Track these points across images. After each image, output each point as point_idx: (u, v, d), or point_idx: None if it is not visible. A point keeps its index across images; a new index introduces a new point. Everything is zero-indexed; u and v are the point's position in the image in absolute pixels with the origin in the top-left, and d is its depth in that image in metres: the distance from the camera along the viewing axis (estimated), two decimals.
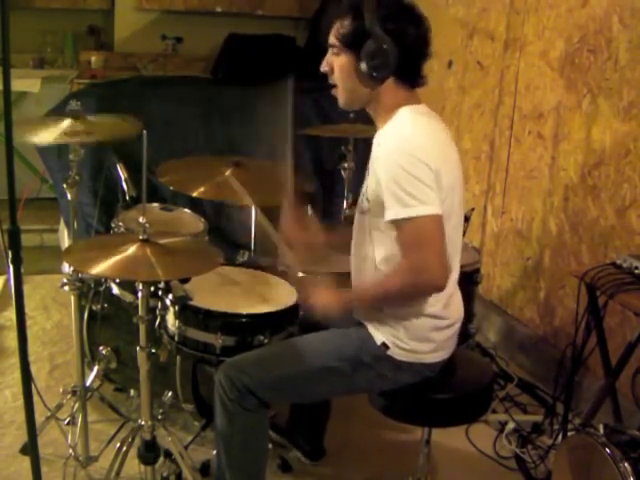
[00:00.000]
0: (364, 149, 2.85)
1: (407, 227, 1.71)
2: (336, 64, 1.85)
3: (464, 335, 2.04)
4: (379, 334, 1.87)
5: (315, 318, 1.89)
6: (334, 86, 1.88)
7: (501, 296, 3.49)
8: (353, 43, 1.78)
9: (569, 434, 2.34)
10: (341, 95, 1.88)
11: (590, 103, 2.85)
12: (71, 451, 2.25)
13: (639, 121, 2.61)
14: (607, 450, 1.81)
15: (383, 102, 1.84)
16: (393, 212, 1.71)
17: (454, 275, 1.92)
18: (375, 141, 1.90)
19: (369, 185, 1.85)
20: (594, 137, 2.83)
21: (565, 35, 2.98)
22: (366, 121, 2.05)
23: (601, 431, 1.93)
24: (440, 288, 1.76)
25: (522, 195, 3.31)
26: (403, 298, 1.81)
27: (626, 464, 1.77)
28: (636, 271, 2.17)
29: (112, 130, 2.40)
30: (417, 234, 1.71)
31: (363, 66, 1.77)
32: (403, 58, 1.76)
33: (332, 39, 1.84)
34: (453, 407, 1.97)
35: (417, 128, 1.78)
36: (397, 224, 1.73)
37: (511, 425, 2.72)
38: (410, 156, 1.71)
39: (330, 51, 1.86)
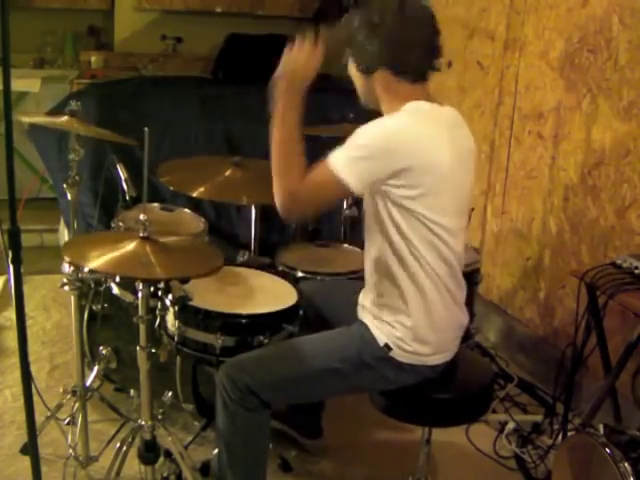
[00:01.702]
0: None
1: (324, 167, 1.77)
2: (349, 71, 1.93)
3: (464, 335, 2.04)
4: (382, 335, 1.87)
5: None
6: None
7: (501, 296, 3.49)
8: (347, 42, 1.87)
9: (569, 434, 2.34)
10: (358, 95, 1.96)
11: (590, 103, 2.85)
12: (71, 451, 2.25)
13: (639, 121, 2.61)
14: (607, 450, 1.81)
15: (384, 97, 1.87)
16: (334, 152, 1.77)
17: (459, 277, 1.92)
18: None
19: None
20: (594, 137, 2.83)
21: (565, 35, 2.98)
22: (366, 121, 2.05)
23: (601, 431, 1.94)
24: (280, 211, 1.83)
25: (522, 195, 3.31)
26: (274, 162, 1.87)
27: (626, 464, 1.77)
28: (636, 271, 2.17)
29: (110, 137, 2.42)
30: (321, 177, 1.77)
31: (355, 60, 1.87)
32: (387, 49, 1.80)
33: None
34: (453, 407, 1.97)
35: (404, 122, 1.80)
36: (326, 160, 1.78)
37: (511, 425, 2.72)
38: (373, 133, 1.76)
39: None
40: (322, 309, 2.20)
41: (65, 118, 2.21)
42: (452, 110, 1.93)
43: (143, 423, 1.99)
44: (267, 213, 2.68)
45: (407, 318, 1.84)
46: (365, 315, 1.93)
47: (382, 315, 1.87)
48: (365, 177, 1.75)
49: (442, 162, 1.79)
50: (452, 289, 1.90)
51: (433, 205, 1.78)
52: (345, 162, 1.74)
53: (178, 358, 2.33)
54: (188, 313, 2.10)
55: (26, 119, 2.16)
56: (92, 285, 2.52)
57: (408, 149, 1.74)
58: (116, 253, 1.80)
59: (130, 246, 1.83)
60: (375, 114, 1.93)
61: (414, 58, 1.83)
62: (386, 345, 1.86)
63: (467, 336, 2.57)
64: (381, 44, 1.80)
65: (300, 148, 1.85)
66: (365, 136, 1.77)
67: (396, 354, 1.86)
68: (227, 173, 2.50)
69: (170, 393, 2.19)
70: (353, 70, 1.91)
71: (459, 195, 1.87)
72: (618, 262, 2.24)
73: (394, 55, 1.82)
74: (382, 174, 1.74)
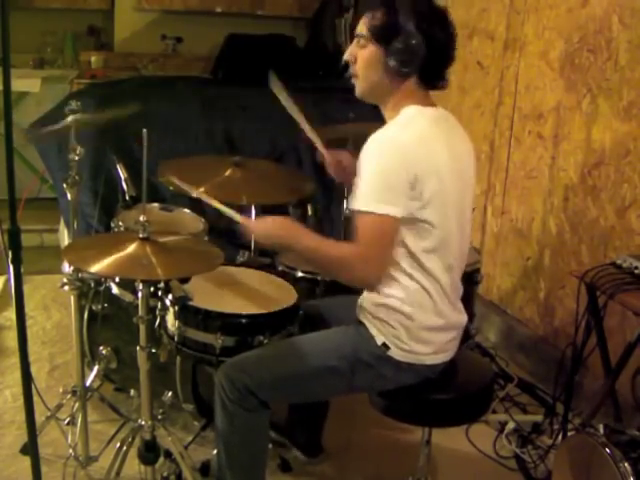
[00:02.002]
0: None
1: (366, 220, 1.73)
2: (361, 55, 1.84)
3: (464, 335, 2.04)
4: (380, 334, 1.87)
5: (249, 239, 1.92)
6: (354, 76, 1.88)
7: (501, 296, 3.49)
8: (383, 36, 1.78)
9: (569, 434, 2.34)
10: (360, 85, 1.88)
11: (590, 103, 2.85)
12: (71, 451, 2.25)
13: (639, 121, 2.61)
14: (607, 450, 1.81)
15: (398, 99, 1.85)
16: (358, 203, 1.75)
17: (457, 280, 1.92)
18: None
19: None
20: (594, 137, 2.83)
21: (565, 35, 2.98)
22: (366, 121, 2.05)
23: (601, 431, 1.93)
24: (368, 285, 1.82)
25: (522, 195, 3.31)
26: (327, 269, 1.86)
27: (626, 464, 1.77)
28: (636, 271, 2.16)
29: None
30: (375, 230, 1.74)
31: (391, 61, 1.77)
32: (429, 59, 1.78)
33: (361, 29, 1.83)
34: (453, 407, 1.97)
35: (407, 129, 1.78)
36: (356, 214, 1.76)
37: (511, 425, 2.72)
38: (388, 155, 1.73)
39: (356, 41, 1.86)
40: (321, 309, 2.21)
41: (70, 119, 2.20)
42: (446, 112, 1.92)
43: (143, 423, 1.99)
44: (267, 213, 2.68)
45: (405, 317, 1.84)
46: (363, 314, 1.93)
47: (380, 314, 1.87)
48: (400, 198, 1.73)
49: (444, 165, 1.80)
50: (450, 290, 1.90)
51: (439, 210, 1.79)
52: (372, 198, 1.72)
53: (178, 358, 2.33)
54: (188, 313, 2.10)
55: (31, 133, 2.15)
56: (92, 285, 2.52)
57: (415, 157, 1.74)
58: (116, 255, 1.80)
59: (130, 247, 1.83)
60: (374, 114, 1.94)
61: (445, 69, 1.85)
62: (384, 344, 1.86)
63: (467, 336, 2.57)
64: (428, 53, 1.76)
65: (328, 245, 1.81)
66: (374, 163, 1.75)
67: (394, 353, 1.86)
68: (227, 173, 2.50)
69: (170, 393, 2.19)
70: (372, 65, 1.82)
71: (461, 198, 1.88)
72: (618, 262, 2.24)
73: (433, 65, 1.81)
74: (406, 189, 1.73)
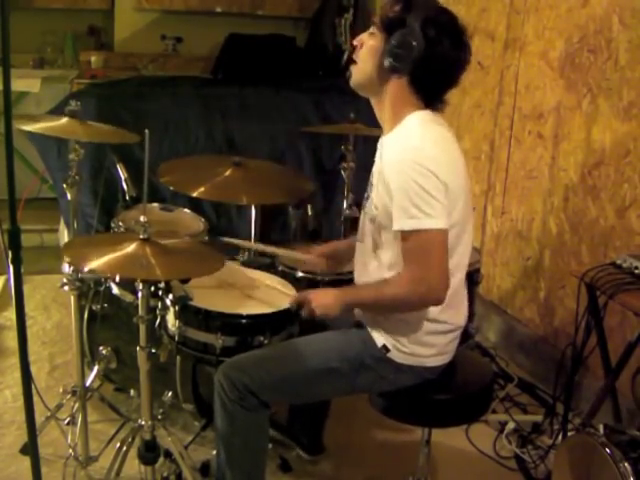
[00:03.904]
0: (364, 149, 2.86)
1: (412, 239, 1.71)
2: (367, 43, 1.83)
3: (464, 335, 2.04)
4: (380, 336, 1.87)
5: (315, 318, 1.89)
6: (353, 62, 1.87)
7: (501, 296, 3.49)
8: (389, 27, 1.77)
9: (569, 434, 2.34)
10: (355, 74, 1.87)
11: (590, 103, 2.85)
12: (71, 451, 2.24)
13: (639, 121, 2.61)
14: (607, 450, 1.81)
15: (391, 101, 1.83)
16: (400, 223, 1.72)
17: (459, 282, 1.91)
18: (380, 146, 1.89)
19: (378, 193, 1.83)
20: (594, 137, 2.83)
21: (565, 35, 2.98)
22: (366, 121, 2.05)
23: (601, 431, 1.93)
24: (438, 302, 1.76)
25: (522, 195, 3.31)
26: (396, 307, 1.82)
27: (626, 464, 1.77)
28: (636, 271, 2.16)
29: (110, 136, 2.41)
30: (421, 247, 1.71)
31: (386, 51, 1.76)
32: (425, 66, 1.75)
33: (376, 17, 1.83)
34: (453, 407, 1.97)
35: (427, 137, 1.77)
36: (403, 234, 1.74)
37: (511, 425, 2.72)
38: (420, 167, 1.70)
39: (369, 30, 1.84)
40: None
41: (65, 120, 2.20)
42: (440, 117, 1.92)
43: (143, 423, 1.99)
44: (267, 213, 2.68)
45: (405, 320, 1.84)
46: (364, 316, 1.92)
47: (380, 316, 1.87)
48: (438, 207, 1.71)
49: (460, 167, 1.82)
50: (451, 292, 1.89)
51: (459, 213, 1.79)
52: (412, 214, 1.70)
53: (178, 358, 2.33)
54: (188, 313, 2.10)
55: (27, 127, 2.14)
56: (92, 285, 2.52)
57: (443, 165, 1.74)
58: (116, 255, 1.80)
59: (130, 248, 1.83)
60: (374, 114, 1.93)
61: (440, 84, 1.82)
62: (384, 346, 1.86)
63: (467, 336, 2.57)
64: (425, 57, 1.74)
65: (381, 287, 1.82)
66: (408, 178, 1.71)
67: (394, 355, 1.86)
68: (227, 173, 2.50)
69: (170, 393, 2.19)
70: (372, 54, 1.81)
71: (468, 198, 1.87)
72: (618, 262, 2.24)
73: (428, 72, 1.78)
74: (443, 199, 1.72)
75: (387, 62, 1.77)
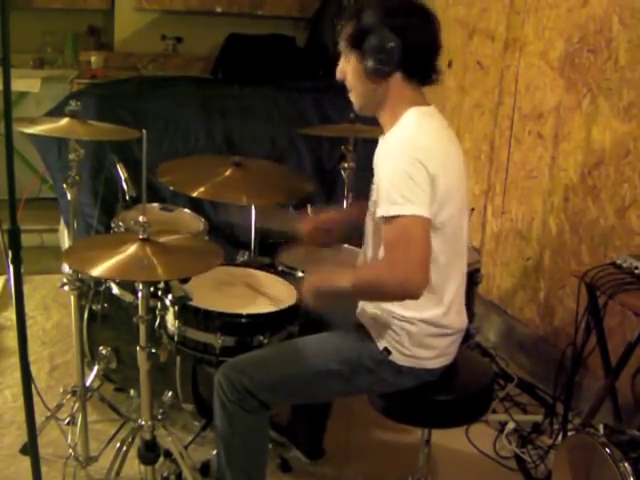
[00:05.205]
0: (364, 149, 2.85)
1: (392, 225, 1.69)
2: (347, 68, 1.85)
3: (464, 335, 2.04)
4: (381, 339, 1.86)
5: (313, 310, 1.88)
6: (349, 91, 1.88)
7: (501, 296, 3.49)
8: (357, 42, 1.78)
9: (569, 434, 2.34)
10: (355, 99, 1.88)
11: (590, 103, 2.85)
12: (71, 451, 2.25)
13: (639, 121, 2.61)
14: (607, 450, 1.81)
15: (391, 102, 1.83)
16: (383, 209, 1.71)
17: (457, 283, 1.90)
18: (379, 144, 1.89)
19: (377, 191, 1.83)
20: (594, 137, 2.83)
21: (565, 35, 2.98)
22: (366, 121, 2.05)
23: (601, 431, 1.93)
24: (416, 292, 1.68)
25: (522, 195, 3.31)
26: (375, 292, 1.77)
27: (626, 464, 1.77)
28: (636, 271, 2.17)
29: (111, 133, 2.41)
30: (400, 232, 1.69)
31: (368, 62, 1.76)
32: (408, 51, 1.75)
33: (341, 44, 1.84)
34: (453, 408, 1.97)
35: (420, 129, 1.78)
36: (385, 221, 1.72)
37: (511, 425, 2.72)
38: (409, 156, 1.70)
39: (342, 58, 1.86)
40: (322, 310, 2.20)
41: (65, 121, 2.20)
42: (436, 110, 1.91)
43: (143, 423, 1.99)
44: (267, 213, 2.68)
45: (406, 322, 1.83)
46: (365, 318, 1.92)
47: (381, 318, 1.86)
48: (422, 195, 1.69)
49: (455, 163, 1.82)
50: (452, 298, 1.89)
51: (449, 211, 1.78)
52: (394, 200, 1.68)
53: (178, 358, 2.33)
54: (188, 313, 2.10)
55: (27, 130, 2.14)
56: (92, 285, 2.52)
57: (435, 157, 1.74)
58: (117, 257, 1.80)
59: (130, 249, 1.83)
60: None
61: (430, 60, 1.82)
62: (385, 349, 1.86)
63: (467, 336, 2.57)
64: (405, 46, 1.74)
65: (360, 271, 1.83)
66: (395, 165, 1.71)
67: (395, 358, 1.85)
68: (227, 173, 2.50)
69: (170, 393, 2.19)
70: (356, 75, 1.82)
71: (463, 197, 1.87)
72: (618, 262, 2.24)
73: (415, 58, 1.78)
74: (428, 188, 1.70)
75: (374, 69, 1.77)
